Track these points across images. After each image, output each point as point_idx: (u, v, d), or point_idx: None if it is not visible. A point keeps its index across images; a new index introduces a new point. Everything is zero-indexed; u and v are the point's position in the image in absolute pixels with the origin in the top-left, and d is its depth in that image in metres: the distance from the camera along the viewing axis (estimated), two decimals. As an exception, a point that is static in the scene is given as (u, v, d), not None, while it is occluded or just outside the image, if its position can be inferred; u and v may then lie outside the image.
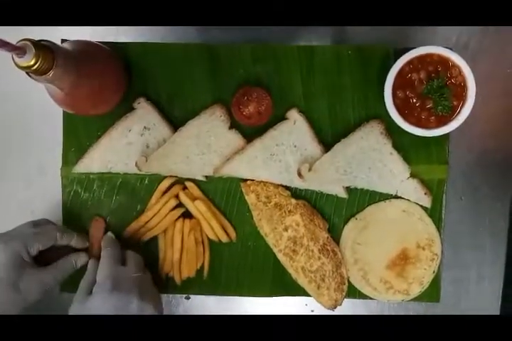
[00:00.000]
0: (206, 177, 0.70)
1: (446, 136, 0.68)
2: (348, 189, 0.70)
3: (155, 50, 0.69)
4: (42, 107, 0.70)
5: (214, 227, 0.69)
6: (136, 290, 0.61)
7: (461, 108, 0.65)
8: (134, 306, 0.59)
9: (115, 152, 0.69)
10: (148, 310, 0.60)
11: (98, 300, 0.59)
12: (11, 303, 0.60)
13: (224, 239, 0.70)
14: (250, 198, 0.69)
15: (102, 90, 0.61)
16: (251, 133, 0.69)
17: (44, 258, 0.64)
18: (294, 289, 0.71)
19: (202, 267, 0.71)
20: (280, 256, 0.69)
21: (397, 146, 0.68)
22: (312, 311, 0.73)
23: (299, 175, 0.68)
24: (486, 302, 0.73)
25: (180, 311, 0.74)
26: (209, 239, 0.70)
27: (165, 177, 0.70)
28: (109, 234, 0.69)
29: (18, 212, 0.74)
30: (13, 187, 0.74)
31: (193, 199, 0.69)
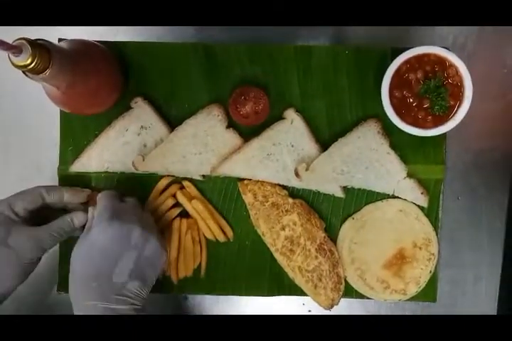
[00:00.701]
0: (203, 176, 0.70)
1: (443, 135, 0.68)
2: (345, 188, 0.70)
3: (152, 50, 0.69)
4: (39, 106, 0.70)
5: (211, 227, 0.69)
6: (136, 220, 0.60)
7: (458, 108, 0.65)
8: (137, 234, 0.59)
9: (112, 151, 0.69)
10: (152, 240, 0.60)
11: (98, 231, 0.58)
12: (4, 261, 0.59)
13: (221, 238, 0.70)
14: (247, 197, 0.69)
15: (98, 89, 0.61)
16: (248, 132, 0.69)
17: (43, 221, 0.62)
18: (291, 289, 0.71)
19: (199, 266, 0.71)
20: (277, 256, 0.69)
21: (394, 146, 0.68)
22: (309, 311, 0.73)
23: (296, 174, 0.68)
24: (483, 303, 0.73)
25: (177, 311, 0.74)
26: (206, 239, 0.70)
27: (162, 176, 0.70)
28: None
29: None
30: (10, 187, 0.73)
31: (190, 198, 0.69)
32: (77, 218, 0.62)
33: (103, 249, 0.58)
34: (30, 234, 0.60)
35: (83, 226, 0.62)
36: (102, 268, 0.57)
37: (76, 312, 0.57)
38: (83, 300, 0.57)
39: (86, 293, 0.57)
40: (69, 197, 0.64)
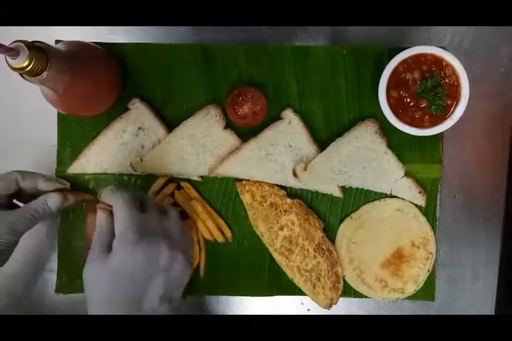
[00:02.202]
0: (201, 177, 0.70)
1: (440, 135, 0.68)
2: (343, 188, 0.70)
3: (149, 51, 0.69)
4: (36, 108, 0.70)
5: (210, 227, 0.69)
6: (161, 235, 0.58)
7: (454, 107, 0.65)
8: (165, 254, 0.57)
9: (110, 153, 0.69)
10: (179, 257, 0.59)
11: (123, 255, 0.56)
12: None
13: (220, 239, 0.70)
14: (246, 198, 0.70)
15: (95, 91, 0.61)
16: (246, 133, 0.69)
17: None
18: (289, 288, 0.71)
19: (198, 267, 0.71)
20: (276, 256, 0.70)
21: (391, 146, 0.69)
22: (308, 310, 0.73)
23: (294, 174, 0.68)
24: (481, 301, 0.73)
25: (176, 311, 0.74)
26: (205, 239, 0.70)
27: (158, 177, 0.70)
28: (110, 187, 0.66)
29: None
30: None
31: (189, 199, 0.69)
32: (49, 199, 0.61)
33: (131, 274, 0.55)
34: (3, 218, 0.59)
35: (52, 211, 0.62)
36: (131, 295, 0.55)
37: None
38: None
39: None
40: (43, 184, 0.64)
